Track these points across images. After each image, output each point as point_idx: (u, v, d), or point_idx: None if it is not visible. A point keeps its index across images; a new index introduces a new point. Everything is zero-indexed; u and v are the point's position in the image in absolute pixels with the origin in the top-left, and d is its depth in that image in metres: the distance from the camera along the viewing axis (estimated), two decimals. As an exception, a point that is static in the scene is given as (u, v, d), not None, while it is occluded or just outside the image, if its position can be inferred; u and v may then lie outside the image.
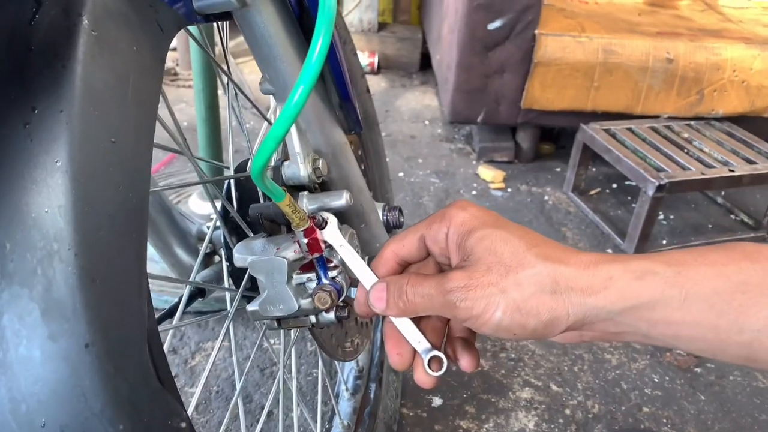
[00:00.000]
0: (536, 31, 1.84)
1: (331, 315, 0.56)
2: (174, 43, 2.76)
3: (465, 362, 0.46)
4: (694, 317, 0.37)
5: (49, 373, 0.32)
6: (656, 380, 1.20)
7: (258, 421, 1.01)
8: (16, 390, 0.32)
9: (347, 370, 0.98)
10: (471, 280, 0.40)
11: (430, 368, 0.45)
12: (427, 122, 2.47)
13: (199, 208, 1.39)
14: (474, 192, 1.93)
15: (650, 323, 0.39)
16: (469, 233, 0.43)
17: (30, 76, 0.33)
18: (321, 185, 0.62)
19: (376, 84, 2.87)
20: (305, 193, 0.58)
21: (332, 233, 0.51)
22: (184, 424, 0.38)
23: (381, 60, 3.05)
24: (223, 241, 0.61)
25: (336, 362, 1.00)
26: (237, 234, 0.61)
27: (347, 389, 0.94)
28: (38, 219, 0.32)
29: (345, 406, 0.92)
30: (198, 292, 0.67)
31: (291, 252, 0.53)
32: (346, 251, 0.51)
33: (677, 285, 0.37)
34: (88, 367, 0.32)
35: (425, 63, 3.02)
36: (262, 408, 1.05)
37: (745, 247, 0.38)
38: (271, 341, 1.20)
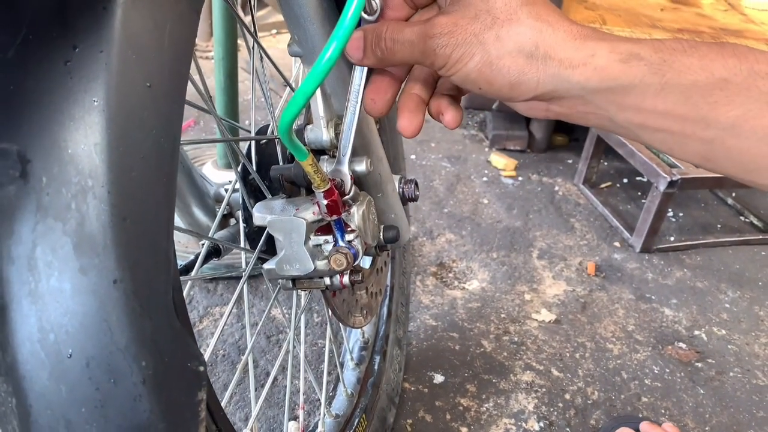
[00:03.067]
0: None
1: (345, 278, 0.57)
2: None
3: (449, 117, 0.45)
4: (666, 107, 0.37)
5: (78, 305, 0.33)
6: (656, 372, 1.20)
7: (263, 386, 1.03)
8: (46, 320, 0.33)
9: (352, 341, 0.99)
10: (455, 27, 0.39)
11: None
12: (441, 107, 2.46)
13: (214, 176, 1.40)
14: (485, 178, 1.93)
15: (620, 107, 0.38)
16: None
17: (72, 15, 0.34)
18: (341, 151, 0.62)
19: (392, 66, 2.86)
20: (326, 157, 0.59)
21: None
22: (202, 368, 0.39)
23: (398, 42, 3.03)
24: (241, 201, 0.62)
25: (342, 333, 1.02)
26: (255, 196, 0.62)
27: (352, 359, 0.95)
28: (74, 155, 0.33)
29: (349, 375, 0.93)
30: (213, 252, 0.68)
31: (310, 213, 0.53)
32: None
33: (659, 73, 0.36)
34: (115, 303, 0.33)
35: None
36: (267, 374, 1.07)
37: (737, 47, 0.37)
38: (278, 310, 1.21)
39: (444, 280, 1.41)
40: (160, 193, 0.36)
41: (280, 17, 3.02)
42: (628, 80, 0.37)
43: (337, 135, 0.57)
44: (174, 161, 0.38)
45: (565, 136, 2.23)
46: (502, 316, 1.31)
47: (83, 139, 0.33)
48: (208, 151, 1.60)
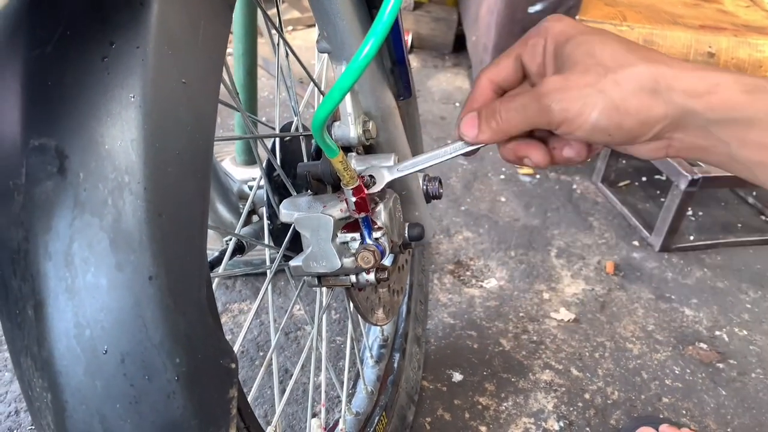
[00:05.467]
0: (576, 17, 1.81)
1: (371, 275, 0.57)
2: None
3: (572, 151, 0.44)
4: None
5: (113, 301, 0.33)
6: (677, 372, 1.19)
7: (282, 383, 1.03)
8: (82, 315, 0.33)
9: (372, 338, 0.99)
10: (567, 82, 0.39)
11: None
12: (457, 104, 2.46)
13: (233, 173, 1.40)
14: (502, 176, 1.92)
15: (742, 142, 0.37)
16: (567, 41, 0.41)
17: (110, 11, 0.34)
18: (367, 148, 0.62)
19: (408, 63, 2.86)
20: (353, 154, 0.58)
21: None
22: (233, 365, 0.39)
23: (414, 39, 3.03)
24: (266, 198, 0.62)
25: (361, 330, 1.01)
26: (278, 193, 0.62)
27: (372, 356, 0.95)
28: (111, 151, 0.33)
29: (369, 372, 0.93)
30: (237, 248, 0.68)
31: (337, 210, 0.53)
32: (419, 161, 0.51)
33: None
34: (150, 299, 0.33)
35: (459, 44, 2.99)
36: (286, 371, 1.07)
37: None
38: (298, 307, 1.21)
39: (462, 278, 1.41)
40: (194, 189, 0.36)
41: (296, 14, 3.02)
42: (752, 112, 0.36)
43: (365, 132, 0.57)
44: (208, 157, 0.38)
45: (582, 134, 2.22)
46: (521, 314, 1.31)
47: (120, 135, 0.33)
48: (226, 147, 1.60)
